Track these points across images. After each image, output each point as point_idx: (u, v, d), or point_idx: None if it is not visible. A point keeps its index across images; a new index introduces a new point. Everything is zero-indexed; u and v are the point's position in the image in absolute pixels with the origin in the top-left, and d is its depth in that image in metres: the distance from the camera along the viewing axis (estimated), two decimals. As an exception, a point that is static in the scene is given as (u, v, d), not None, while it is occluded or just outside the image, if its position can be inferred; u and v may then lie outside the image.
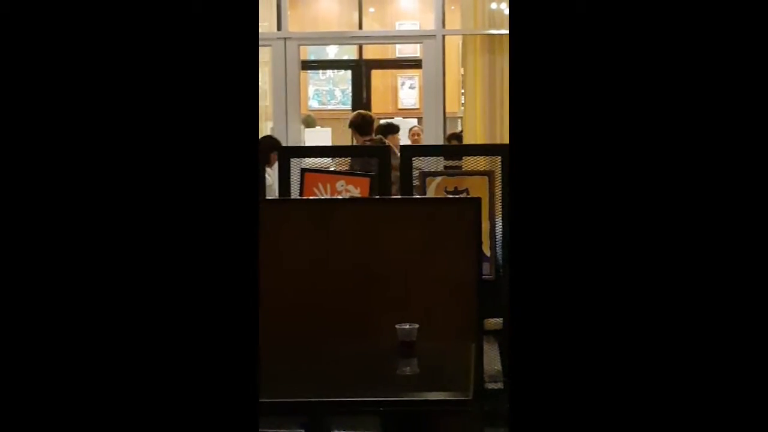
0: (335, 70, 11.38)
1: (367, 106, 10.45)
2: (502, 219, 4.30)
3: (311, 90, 11.68)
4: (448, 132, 8.82)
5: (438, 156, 4.79)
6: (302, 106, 11.49)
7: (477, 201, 3.49)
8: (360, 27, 10.01)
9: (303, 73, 11.51)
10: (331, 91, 11.48)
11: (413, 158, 4.52)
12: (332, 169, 5.13)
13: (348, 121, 7.31)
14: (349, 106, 10.60)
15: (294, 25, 10.16)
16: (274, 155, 4.81)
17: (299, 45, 8.52)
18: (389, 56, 11.50)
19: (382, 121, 8.57)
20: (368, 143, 6.86)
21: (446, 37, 8.44)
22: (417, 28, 11.19)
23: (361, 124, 7.08)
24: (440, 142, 8.07)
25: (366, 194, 4.53)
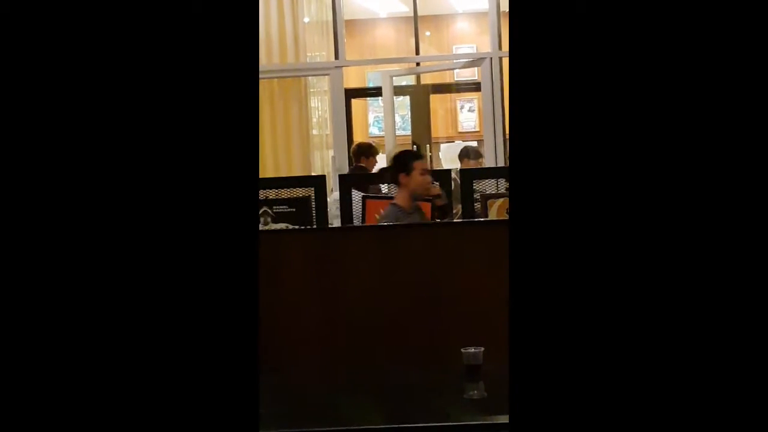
0: (394, 96, 11.43)
1: (427, 130, 10.46)
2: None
3: (371, 117, 11.73)
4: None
5: (499, 178, 4.77)
6: (363, 133, 11.57)
7: (539, 221, 3.46)
8: (417, 52, 10.05)
9: (362, 101, 11.59)
10: (391, 118, 11.52)
11: (474, 181, 4.51)
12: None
13: (353, 150, 8.07)
14: (408, 132, 10.62)
15: (351, 53, 10.24)
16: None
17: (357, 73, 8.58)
18: (447, 80, 11.52)
19: (463, 146, 8.62)
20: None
21: (504, 59, 8.44)
22: (474, 51, 11.21)
23: (369, 147, 8.01)
24: (501, 164, 8.05)
25: (427, 218, 4.54)
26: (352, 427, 2.60)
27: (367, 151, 7.95)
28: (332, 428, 2.63)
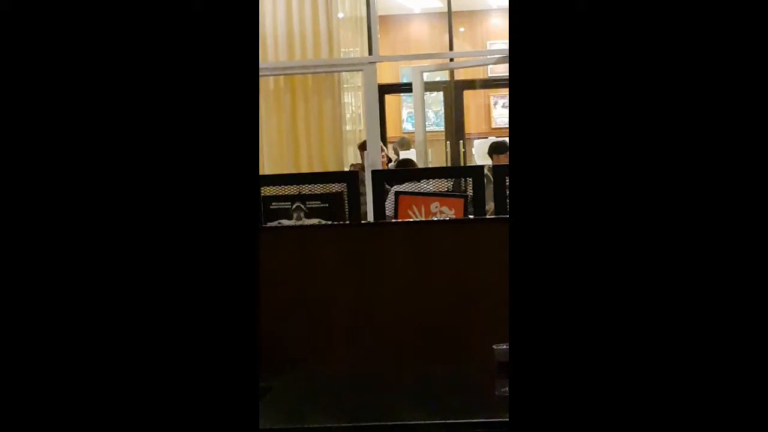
0: (428, 92, 11.44)
1: (461, 126, 10.45)
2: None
3: (405, 112, 11.73)
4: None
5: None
6: (397, 128, 11.58)
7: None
8: (451, 48, 10.03)
9: (396, 96, 11.59)
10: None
11: (507, 177, 4.50)
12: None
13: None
14: (442, 128, 10.61)
15: (385, 49, 10.24)
16: None
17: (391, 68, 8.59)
18: (481, 76, 11.50)
19: (492, 141, 8.60)
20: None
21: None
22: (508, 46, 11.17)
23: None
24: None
25: (460, 215, 4.53)
26: (381, 423, 2.61)
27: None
28: (361, 424, 2.64)
